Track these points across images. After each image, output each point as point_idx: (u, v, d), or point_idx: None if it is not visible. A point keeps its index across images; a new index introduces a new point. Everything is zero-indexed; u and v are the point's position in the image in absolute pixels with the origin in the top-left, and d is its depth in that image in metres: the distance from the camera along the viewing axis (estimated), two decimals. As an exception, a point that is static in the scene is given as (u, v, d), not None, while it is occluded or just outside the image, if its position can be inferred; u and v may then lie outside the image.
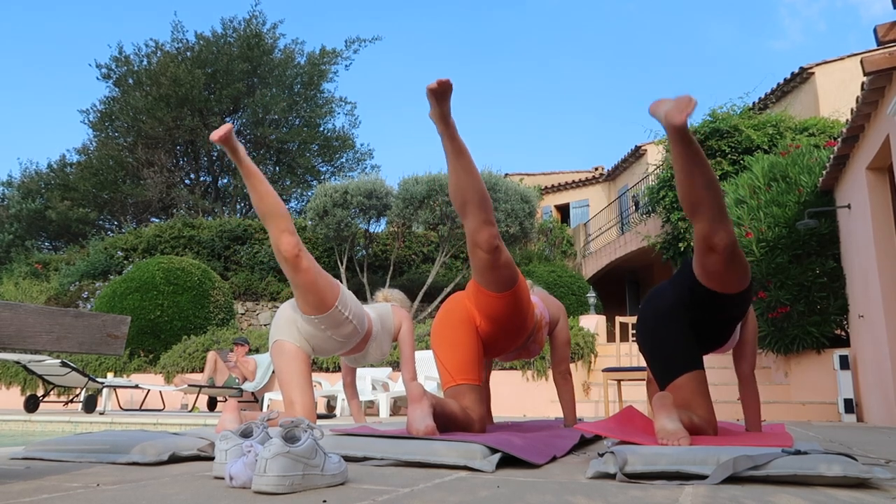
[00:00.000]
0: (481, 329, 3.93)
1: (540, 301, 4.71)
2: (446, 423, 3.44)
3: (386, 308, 5.18)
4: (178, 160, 28.59)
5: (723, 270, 3.28)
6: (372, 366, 11.06)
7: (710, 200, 3.15)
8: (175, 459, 2.80)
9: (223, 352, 12.22)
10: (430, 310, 15.52)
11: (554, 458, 3.02)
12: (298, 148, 29.04)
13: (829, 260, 9.42)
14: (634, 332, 3.77)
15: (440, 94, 3.38)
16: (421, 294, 15.46)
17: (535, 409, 10.98)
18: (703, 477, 2.25)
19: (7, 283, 19.07)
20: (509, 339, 4.07)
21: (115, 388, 11.33)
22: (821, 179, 9.41)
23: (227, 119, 28.65)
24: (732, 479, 2.22)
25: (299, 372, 4.22)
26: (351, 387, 5.94)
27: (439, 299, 15.50)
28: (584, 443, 3.96)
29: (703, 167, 3.10)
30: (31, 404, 10.59)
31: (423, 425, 3.13)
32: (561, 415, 9.71)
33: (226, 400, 12.15)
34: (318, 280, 4.11)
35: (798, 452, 2.30)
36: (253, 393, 11.89)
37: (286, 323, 4.33)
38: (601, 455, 2.58)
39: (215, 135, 3.80)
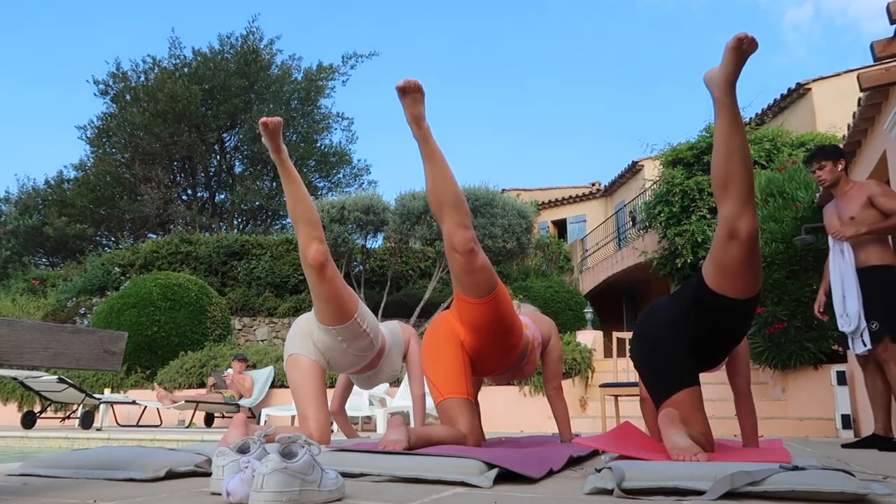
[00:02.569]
0: (467, 344, 3.94)
1: (530, 321, 4.70)
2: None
3: (395, 324, 5.15)
4: (175, 176, 28.63)
5: (740, 263, 3.20)
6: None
7: (741, 178, 3.13)
8: (172, 475, 2.79)
9: (218, 373, 12.20)
10: (426, 325, 15.51)
11: (551, 472, 3.02)
12: (295, 163, 28.85)
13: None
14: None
15: (408, 94, 3.42)
16: (418, 310, 15.47)
17: (531, 424, 10.97)
18: (700, 493, 2.24)
19: (4, 300, 19.05)
20: (498, 354, 4.05)
21: (112, 404, 11.31)
22: (818, 195, 9.42)
23: (225, 135, 28.68)
24: (730, 495, 2.22)
25: (314, 387, 4.15)
26: (340, 413, 5.81)
27: (436, 314, 15.48)
28: (582, 458, 3.96)
29: (743, 140, 3.14)
30: (28, 420, 10.56)
31: (395, 437, 3.23)
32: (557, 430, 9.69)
33: (223, 416, 12.13)
34: (340, 290, 4.06)
35: (796, 468, 2.30)
36: (250, 409, 11.87)
37: (302, 336, 4.27)
38: (598, 470, 2.58)
39: (268, 121, 3.83)
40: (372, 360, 4.52)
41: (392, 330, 4.97)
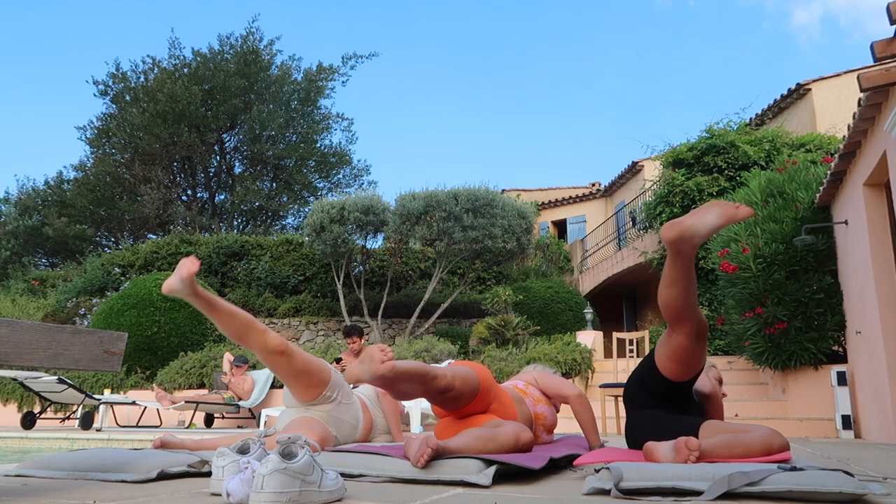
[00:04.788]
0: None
1: (536, 391, 4.42)
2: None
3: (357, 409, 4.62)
4: (175, 176, 28.58)
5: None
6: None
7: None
8: (165, 476, 2.79)
9: (217, 374, 12.19)
10: (426, 325, 15.50)
11: (553, 466, 3.02)
12: (295, 164, 29.04)
13: (826, 276, 9.43)
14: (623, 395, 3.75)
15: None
16: (418, 310, 15.45)
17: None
18: (697, 493, 2.25)
19: (4, 300, 19.04)
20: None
21: (111, 404, 11.30)
22: (818, 195, 9.43)
23: (225, 135, 28.65)
24: (728, 496, 2.22)
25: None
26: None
27: (436, 315, 15.49)
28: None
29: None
30: (28, 421, 10.56)
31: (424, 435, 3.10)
32: (562, 432, 9.69)
33: (222, 417, 12.12)
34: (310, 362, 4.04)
35: (794, 468, 2.30)
36: (250, 409, 11.86)
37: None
38: (597, 471, 2.58)
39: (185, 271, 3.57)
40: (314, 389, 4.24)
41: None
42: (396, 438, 4.91)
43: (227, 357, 11.90)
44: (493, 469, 2.67)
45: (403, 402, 9.80)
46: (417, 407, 9.48)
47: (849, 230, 8.59)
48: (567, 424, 9.38)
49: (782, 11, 76.57)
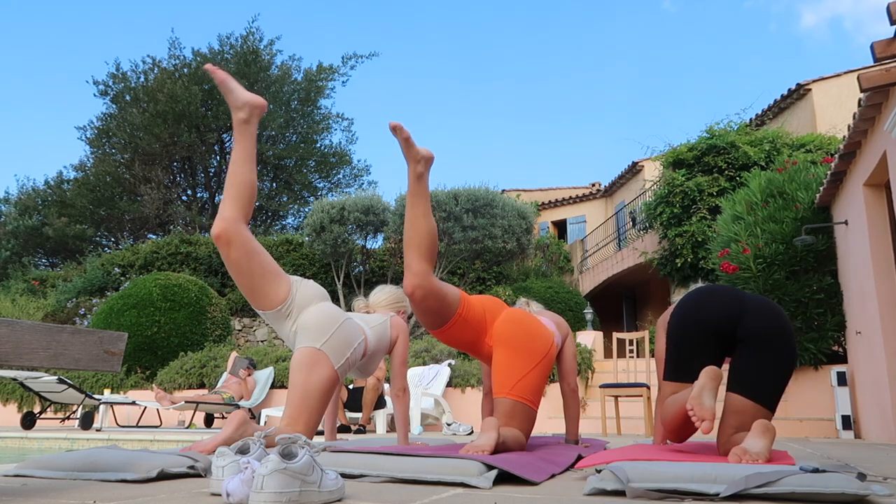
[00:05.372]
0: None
1: (551, 322, 4.70)
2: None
3: (383, 325, 4.57)
4: (175, 176, 28.57)
5: None
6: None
7: None
8: (165, 476, 2.79)
9: (227, 374, 12.19)
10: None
11: (552, 477, 3.01)
12: (295, 164, 29.03)
13: (826, 276, 9.43)
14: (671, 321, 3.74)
15: (399, 134, 3.69)
16: (418, 310, 15.44)
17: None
18: (703, 495, 2.24)
19: (4, 300, 19.03)
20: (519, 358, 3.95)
21: (111, 404, 11.30)
22: (818, 196, 9.43)
23: (225, 136, 28.64)
24: (734, 497, 2.21)
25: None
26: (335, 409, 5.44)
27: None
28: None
29: None
30: (28, 421, 10.56)
31: (483, 442, 3.19)
32: (559, 431, 9.71)
33: (222, 417, 12.11)
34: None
35: (816, 470, 2.28)
36: (250, 409, 11.85)
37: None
38: (599, 472, 2.58)
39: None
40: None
41: (379, 335, 4.46)
42: (396, 386, 4.58)
43: (234, 355, 11.89)
44: (493, 472, 2.67)
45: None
46: (417, 407, 9.48)
47: (849, 230, 8.59)
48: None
49: (789, 14, 76.61)
